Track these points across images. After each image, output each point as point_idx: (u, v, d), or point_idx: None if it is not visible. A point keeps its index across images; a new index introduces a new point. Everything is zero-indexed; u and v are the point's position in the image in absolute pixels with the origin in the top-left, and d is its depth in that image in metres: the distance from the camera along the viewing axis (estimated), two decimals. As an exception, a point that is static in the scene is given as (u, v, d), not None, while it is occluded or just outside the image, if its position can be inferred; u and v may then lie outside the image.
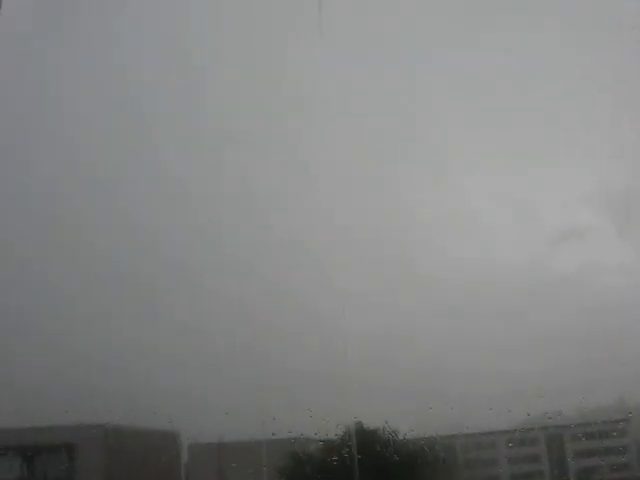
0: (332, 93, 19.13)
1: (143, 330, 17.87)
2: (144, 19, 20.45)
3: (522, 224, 20.06)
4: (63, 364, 16.55)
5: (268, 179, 19.42)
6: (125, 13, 19.76)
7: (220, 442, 15.55)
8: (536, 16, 19.19)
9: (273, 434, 13.35)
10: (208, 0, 20.28)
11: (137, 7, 20.21)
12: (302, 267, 18.08)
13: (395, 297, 17.32)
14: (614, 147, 17.71)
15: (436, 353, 15.85)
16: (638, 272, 18.11)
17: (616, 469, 13.28)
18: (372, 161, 19.40)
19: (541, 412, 14.59)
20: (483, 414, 13.50)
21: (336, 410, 13.14)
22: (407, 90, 20.27)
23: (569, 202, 20.10)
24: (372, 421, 13.55)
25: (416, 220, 19.47)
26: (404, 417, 13.53)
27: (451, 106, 19.98)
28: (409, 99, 20.26)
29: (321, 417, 12.71)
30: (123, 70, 19.98)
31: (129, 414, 15.30)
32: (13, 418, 14.78)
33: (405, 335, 16.23)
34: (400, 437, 13.15)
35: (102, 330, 17.51)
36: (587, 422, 14.42)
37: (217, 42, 20.60)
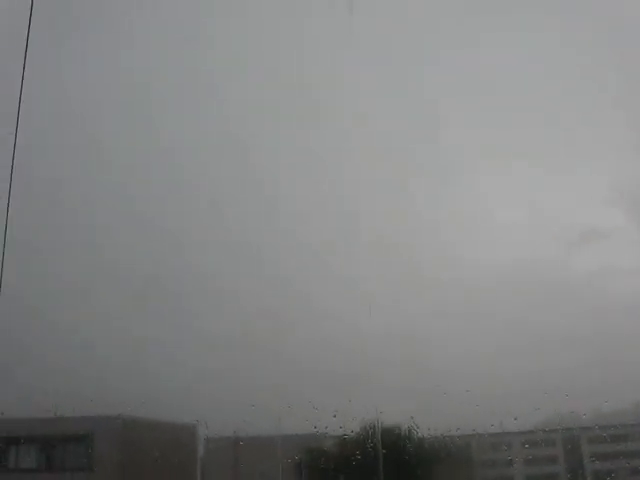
0: (340, 95, 19.14)
1: (159, 327, 17.94)
2: (154, 20, 20.49)
3: (537, 225, 20.05)
4: (79, 359, 16.60)
5: (278, 181, 19.51)
6: (133, 14, 19.80)
7: (237, 436, 15.55)
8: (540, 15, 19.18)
9: (296, 432, 13.41)
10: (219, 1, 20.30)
11: (146, 8, 20.25)
12: (324, 269, 18.16)
13: (413, 298, 17.38)
14: (629, 146, 17.80)
15: (453, 353, 15.90)
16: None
17: (636, 473, 13.30)
18: (380, 163, 19.43)
19: (558, 413, 14.65)
20: (503, 414, 13.56)
21: (359, 407, 13.19)
22: (419, 91, 20.32)
23: (585, 203, 20.11)
24: (394, 419, 13.60)
25: (431, 223, 19.52)
26: (424, 416, 13.58)
27: (465, 107, 20.03)
28: (420, 100, 20.31)
29: (344, 414, 12.76)
30: (131, 71, 20.03)
31: (145, 407, 15.34)
32: (31, 409, 14.84)
33: (424, 335, 16.27)
34: (422, 435, 13.21)
35: (116, 327, 17.57)
36: (606, 425, 14.45)
37: (227, 44, 20.63)
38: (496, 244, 19.61)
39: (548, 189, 19.13)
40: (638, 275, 18.88)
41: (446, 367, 14.77)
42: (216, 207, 19.56)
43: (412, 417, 13.11)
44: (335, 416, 12.64)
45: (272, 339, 16.55)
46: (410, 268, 18.30)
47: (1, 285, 9.64)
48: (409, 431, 13.26)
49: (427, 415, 13.20)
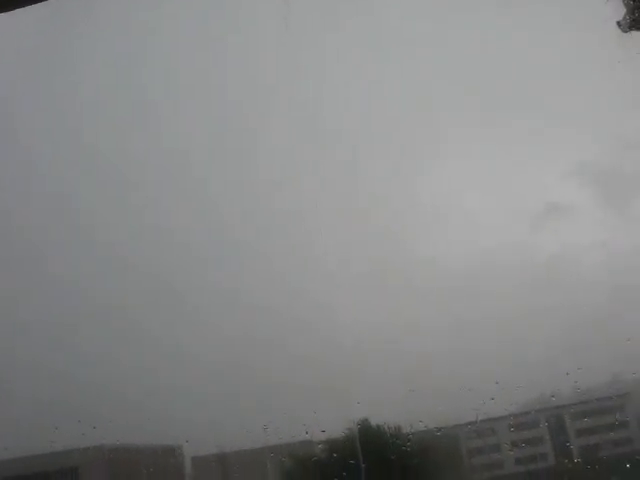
0: (315, 92, 19.10)
1: (136, 347, 17.83)
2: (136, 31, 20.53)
3: (505, 207, 20.14)
4: (55, 393, 16.46)
5: (250, 194, 19.56)
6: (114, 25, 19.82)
7: (222, 452, 15.44)
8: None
9: (279, 437, 13.32)
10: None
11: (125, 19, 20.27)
12: (302, 274, 18.19)
13: (392, 294, 17.42)
14: (594, 125, 17.91)
15: (425, 350, 15.81)
16: (622, 250, 18.29)
17: (619, 444, 13.36)
18: (349, 156, 19.38)
19: (538, 395, 14.67)
20: (484, 402, 13.54)
21: (338, 411, 13.16)
22: (379, 81, 20.33)
23: (552, 181, 20.27)
24: (375, 419, 13.57)
25: (404, 212, 19.57)
26: (406, 413, 13.54)
27: (424, 94, 20.02)
28: (380, 88, 20.32)
29: (324, 420, 12.72)
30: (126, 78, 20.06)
31: (128, 433, 15.18)
32: (15, 447, 14.62)
33: (402, 329, 16.29)
34: (404, 432, 13.16)
35: (95, 351, 17.45)
36: (585, 400, 14.47)
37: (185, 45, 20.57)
38: (470, 232, 19.72)
39: (528, 169, 19.28)
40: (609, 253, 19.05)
41: (421, 365, 14.78)
42: (194, 248, 19.72)
43: (387, 422, 13.10)
44: (307, 432, 12.65)
45: (251, 357, 16.56)
46: (398, 268, 18.42)
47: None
48: (388, 432, 13.25)
49: (405, 414, 13.17)
